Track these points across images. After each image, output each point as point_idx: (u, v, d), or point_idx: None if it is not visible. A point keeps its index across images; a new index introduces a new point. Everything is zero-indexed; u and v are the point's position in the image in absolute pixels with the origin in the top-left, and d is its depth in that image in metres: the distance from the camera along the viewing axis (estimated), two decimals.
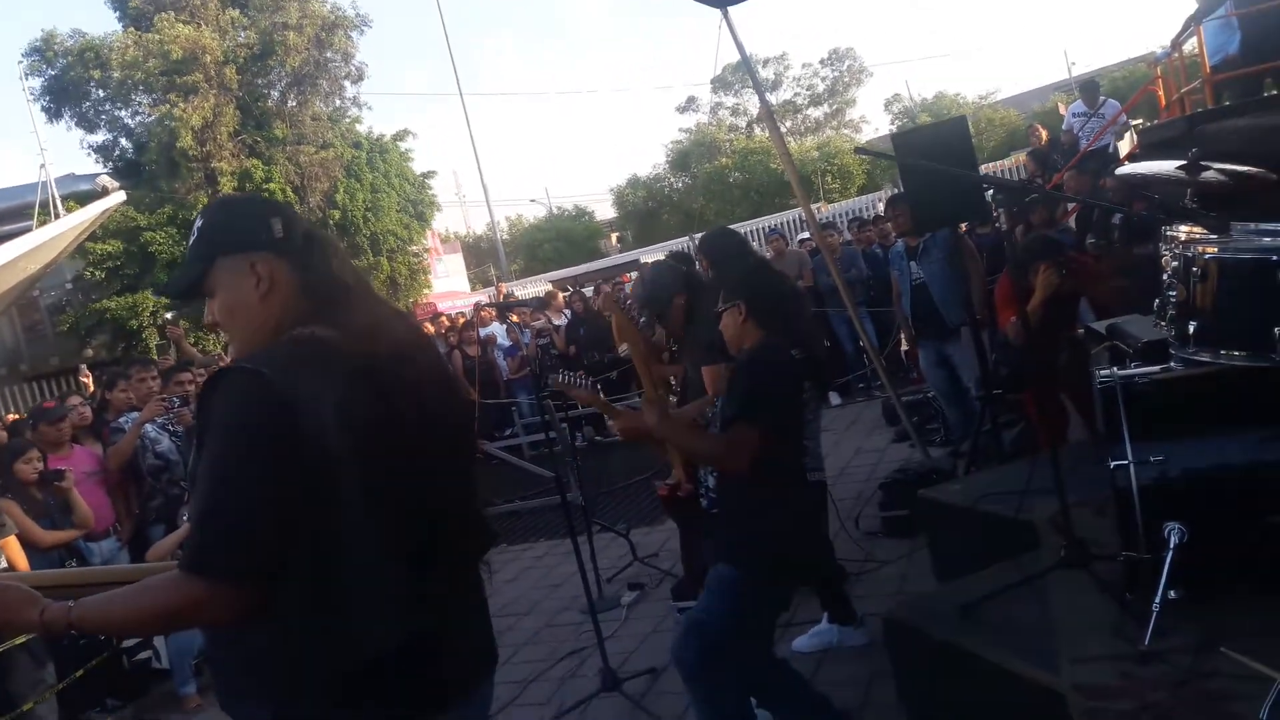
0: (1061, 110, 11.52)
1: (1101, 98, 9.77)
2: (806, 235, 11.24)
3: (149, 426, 5.67)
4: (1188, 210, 2.56)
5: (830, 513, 3.77)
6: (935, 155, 4.51)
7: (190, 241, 1.67)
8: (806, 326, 2.97)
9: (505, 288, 20.03)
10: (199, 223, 1.66)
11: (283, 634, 1.44)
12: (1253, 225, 2.33)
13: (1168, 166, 2.84)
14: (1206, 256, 2.28)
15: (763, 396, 2.63)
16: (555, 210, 39.40)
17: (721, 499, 2.91)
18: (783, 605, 2.98)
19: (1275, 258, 2.21)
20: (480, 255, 36.84)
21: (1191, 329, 2.31)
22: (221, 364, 8.54)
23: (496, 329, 11.17)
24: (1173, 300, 2.42)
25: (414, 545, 1.54)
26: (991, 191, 3.66)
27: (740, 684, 2.76)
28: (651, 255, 17.82)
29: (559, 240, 34.35)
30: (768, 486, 2.68)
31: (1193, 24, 6.97)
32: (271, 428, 1.41)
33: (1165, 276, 2.51)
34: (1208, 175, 2.62)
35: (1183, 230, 2.44)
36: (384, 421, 1.50)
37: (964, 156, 4.69)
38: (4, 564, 4.22)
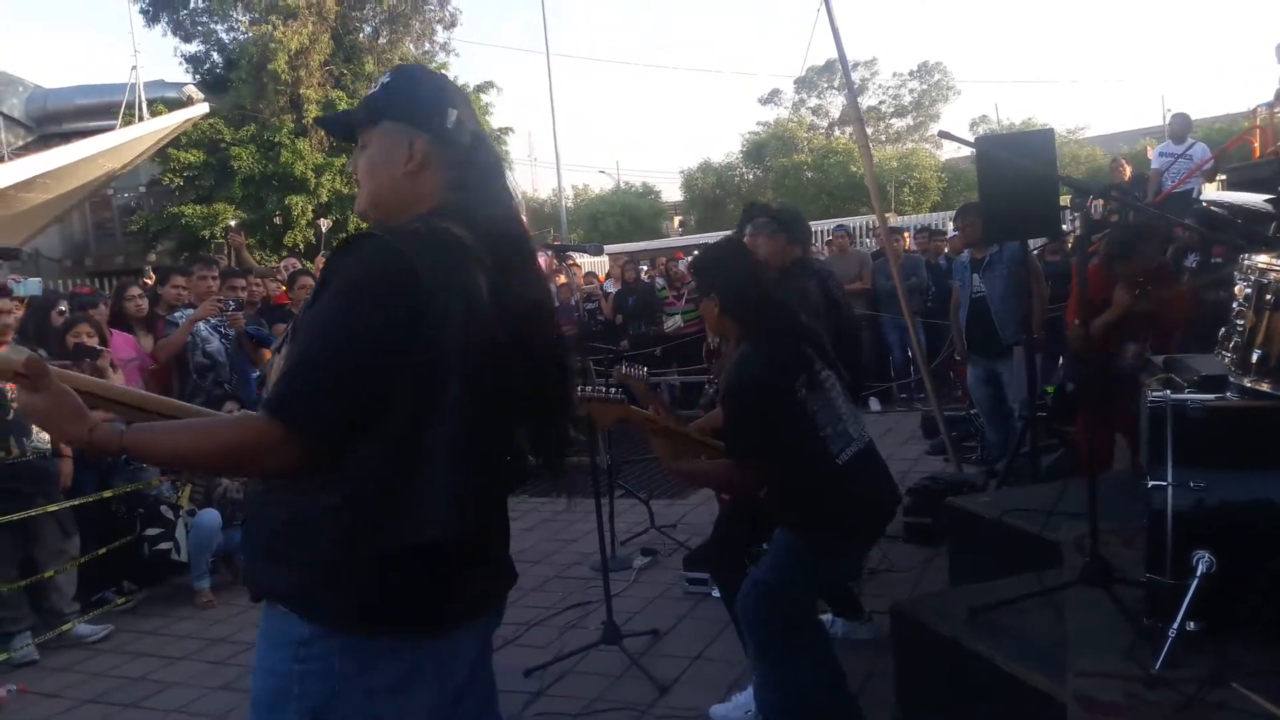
0: (1149, 154, 11.17)
1: (1190, 140, 9.43)
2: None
3: (201, 325, 5.79)
4: (1270, 239, 2.48)
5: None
6: (1018, 163, 4.42)
7: (370, 92, 1.70)
8: (797, 326, 2.94)
9: (559, 240, 20.06)
10: (385, 79, 1.69)
11: (346, 501, 1.45)
12: None
13: (1256, 199, 2.77)
14: None
15: (746, 433, 2.76)
16: (623, 185, 39.41)
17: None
18: (851, 564, 3.41)
19: None
20: (542, 220, 36.98)
21: (1255, 357, 2.25)
22: (293, 268, 8.71)
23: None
24: (1239, 327, 2.36)
25: (485, 453, 1.58)
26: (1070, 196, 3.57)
27: (798, 638, 2.87)
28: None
29: (622, 215, 34.32)
30: (792, 488, 2.83)
31: None
32: (394, 299, 1.44)
33: (1235, 304, 2.45)
34: None
35: (1262, 259, 2.38)
36: (494, 330, 1.54)
37: (1046, 168, 4.59)
38: None
